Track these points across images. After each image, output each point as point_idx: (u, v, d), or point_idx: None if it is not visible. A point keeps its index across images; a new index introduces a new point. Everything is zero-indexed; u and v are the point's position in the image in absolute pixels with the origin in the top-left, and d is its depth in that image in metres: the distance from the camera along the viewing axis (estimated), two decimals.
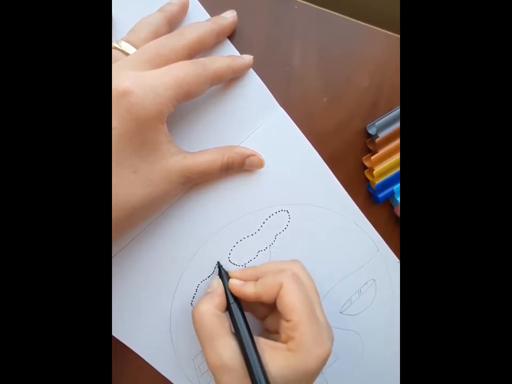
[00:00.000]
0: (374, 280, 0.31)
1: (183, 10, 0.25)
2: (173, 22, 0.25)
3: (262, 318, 0.28)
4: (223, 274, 0.27)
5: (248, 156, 0.26)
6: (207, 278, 0.28)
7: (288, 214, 0.29)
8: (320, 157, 0.28)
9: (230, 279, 0.27)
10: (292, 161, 0.28)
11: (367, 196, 0.30)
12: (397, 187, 0.29)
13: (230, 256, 0.28)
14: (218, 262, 0.28)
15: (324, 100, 0.28)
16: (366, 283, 0.31)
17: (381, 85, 0.29)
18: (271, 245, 0.29)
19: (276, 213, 0.28)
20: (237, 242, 0.28)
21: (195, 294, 0.28)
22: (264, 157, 0.27)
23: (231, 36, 0.26)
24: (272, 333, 0.27)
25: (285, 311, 0.24)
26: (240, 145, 0.27)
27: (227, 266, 0.28)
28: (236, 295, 0.26)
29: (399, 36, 0.28)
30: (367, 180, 0.30)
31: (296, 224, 0.29)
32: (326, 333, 0.24)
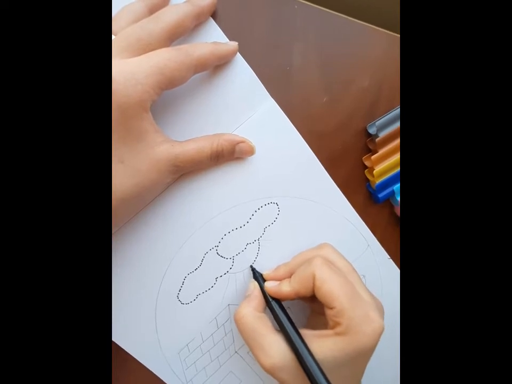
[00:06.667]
0: (364, 276, 0.31)
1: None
2: (154, 11, 0.24)
3: (310, 302, 0.28)
4: (258, 276, 0.27)
5: (238, 143, 0.25)
6: (195, 271, 0.27)
7: (277, 207, 0.28)
8: (311, 150, 0.28)
9: (265, 282, 0.26)
10: (283, 154, 0.27)
11: (367, 196, 0.30)
12: (397, 187, 0.29)
13: (218, 248, 0.28)
14: (251, 266, 0.28)
15: (324, 99, 0.28)
16: None
17: (381, 84, 0.29)
18: (260, 238, 0.28)
19: (266, 205, 0.28)
20: (225, 235, 0.28)
21: (181, 286, 0.27)
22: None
23: (231, 35, 0.26)
24: (321, 314, 0.27)
25: (325, 300, 0.24)
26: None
27: (215, 259, 0.28)
28: (275, 297, 0.26)
29: (399, 36, 0.28)
30: (368, 180, 0.30)
31: (285, 217, 0.28)
32: (374, 310, 0.24)
